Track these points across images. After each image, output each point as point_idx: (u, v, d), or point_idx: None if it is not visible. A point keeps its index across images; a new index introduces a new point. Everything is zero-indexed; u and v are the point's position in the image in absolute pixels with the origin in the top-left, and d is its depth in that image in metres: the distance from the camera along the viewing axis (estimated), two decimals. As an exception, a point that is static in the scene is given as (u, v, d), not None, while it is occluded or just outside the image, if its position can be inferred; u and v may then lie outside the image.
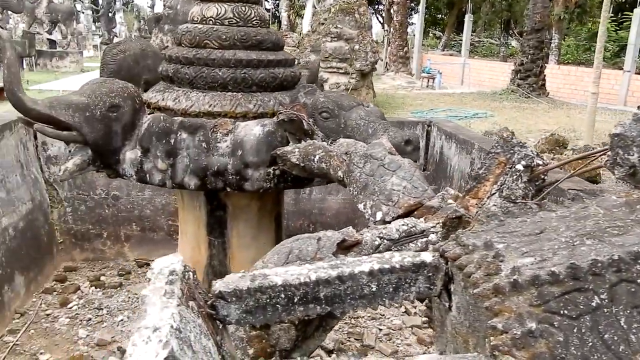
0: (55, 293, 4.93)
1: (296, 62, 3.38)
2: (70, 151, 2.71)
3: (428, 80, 18.11)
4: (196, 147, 2.64)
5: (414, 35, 25.11)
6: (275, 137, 2.64)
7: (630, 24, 24.40)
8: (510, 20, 31.51)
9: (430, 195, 1.98)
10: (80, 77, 19.61)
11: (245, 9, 3.09)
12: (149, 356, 0.89)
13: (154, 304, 1.02)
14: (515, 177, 1.40)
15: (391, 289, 1.24)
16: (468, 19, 21.45)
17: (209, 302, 1.18)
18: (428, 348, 4.31)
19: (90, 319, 4.51)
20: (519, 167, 1.39)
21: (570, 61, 23.18)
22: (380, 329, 4.56)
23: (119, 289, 5.06)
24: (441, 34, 38.01)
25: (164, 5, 10.89)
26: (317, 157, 2.39)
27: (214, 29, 3.01)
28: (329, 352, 4.11)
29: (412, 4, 33.11)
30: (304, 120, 2.52)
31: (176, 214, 5.59)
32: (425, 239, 1.66)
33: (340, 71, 10.95)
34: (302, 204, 5.99)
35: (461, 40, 36.00)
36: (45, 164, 5.49)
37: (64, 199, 5.57)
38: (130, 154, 2.74)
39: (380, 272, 1.22)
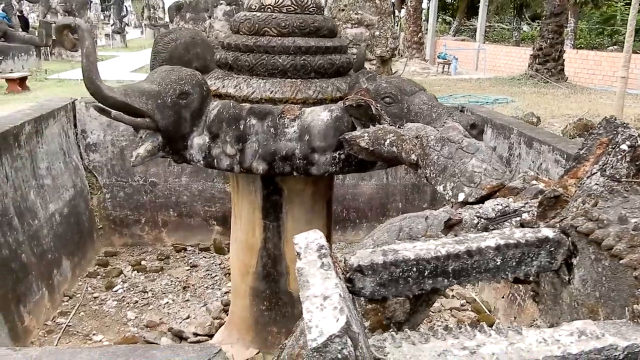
0: (99, 277, 5.05)
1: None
2: (141, 137, 2.78)
3: (444, 66, 18.01)
4: (265, 133, 2.71)
5: (426, 20, 24.95)
6: (342, 122, 2.70)
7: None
8: (522, 5, 31.19)
9: (510, 177, 2.04)
10: (96, 66, 19.66)
11: (303, -4, 3.13)
12: (328, 321, 0.96)
13: (314, 275, 1.08)
14: (619, 157, 1.45)
15: (514, 263, 1.31)
16: (483, 3, 21.25)
17: (346, 275, 1.25)
18: (470, 329, 4.38)
19: (136, 302, 4.63)
20: (624, 147, 1.45)
21: (582, 45, 22.97)
22: (421, 311, 4.64)
23: (160, 272, 5.17)
24: (451, 19, 37.67)
25: (186, -6, 10.92)
26: (388, 141, 2.45)
27: (273, 17, 3.06)
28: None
29: (424, -11, 32.83)
30: (372, 105, 2.58)
31: (212, 199, 5.70)
32: (518, 218, 1.72)
33: (361, 57, 10.91)
34: (336, 189, 6.05)
35: (472, 25, 35.67)
36: (85, 151, 5.59)
37: (103, 185, 5.67)
38: (198, 140, 2.81)
39: (506, 247, 1.29)
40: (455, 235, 1.66)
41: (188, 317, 4.42)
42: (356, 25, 10.98)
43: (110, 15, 36.92)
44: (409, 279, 1.27)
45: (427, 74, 17.64)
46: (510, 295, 4.46)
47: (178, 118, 2.74)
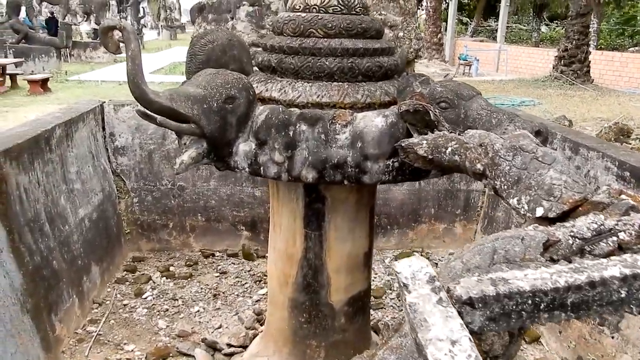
0: (127, 283, 4.96)
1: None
2: (184, 144, 2.66)
3: (464, 67, 17.80)
4: (315, 139, 2.57)
5: (444, 21, 24.70)
6: (397, 129, 2.55)
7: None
8: (542, 6, 30.80)
9: (592, 190, 1.88)
10: (114, 68, 19.72)
11: (349, -4, 3.00)
12: (462, 371, 0.82)
13: (432, 313, 0.95)
14: None
15: (641, 295, 1.16)
16: (504, 3, 20.97)
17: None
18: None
19: (167, 310, 4.52)
20: None
21: (603, 47, 22.60)
22: (460, 323, 4.48)
23: (189, 279, 5.07)
24: (468, 20, 37.35)
25: (208, -6, 10.84)
26: (450, 149, 2.30)
27: (319, 17, 2.93)
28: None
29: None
30: (430, 111, 2.43)
31: (241, 204, 5.59)
32: (615, 238, 1.57)
33: (384, 59, 10.76)
34: (367, 194, 5.91)
35: (489, 26, 35.31)
36: (113, 154, 5.51)
37: (130, 189, 5.58)
38: (243, 146, 2.68)
39: (634, 277, 1.14)
40: (552, 258, 1.51)
41: (220, 327, 4.30)
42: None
43: (126, 17, 37.20)
44: (523, 312, 1.13)
45: (447, 75, 17.43)
46: (555, 307, 4.28)
47: (224, 124, 2.62)
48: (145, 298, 4.70)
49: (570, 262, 1.50)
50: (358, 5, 3.03)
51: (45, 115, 4.76)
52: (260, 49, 3.45)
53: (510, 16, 33.70)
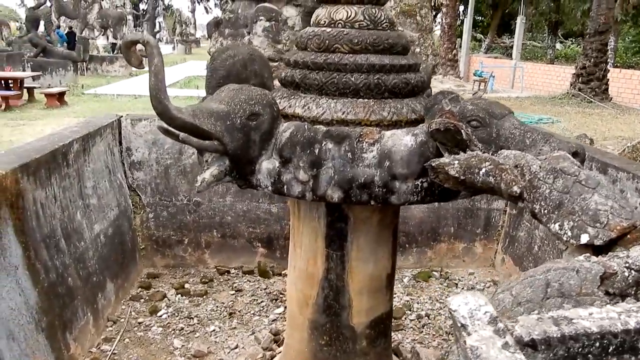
0: (142, 300, 4.88)
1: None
2: (206, 161, 2.59)
3: (479, 84, 17.69)
4: (341, 158, 2.49)
5: (459, 37, 24.64)
6: (427, 148, 2.46)
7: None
8: (557, 23, 30.69)
9: (640, 216, 1.77)
10: (130, 81, 19.90)
11: (375, 11, 2.94)
12: None
13: (498, 359, 0.85)
14: None
15: None
16: (520, 21, 20.89)
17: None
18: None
19: (182, 329, 4.43)
20: None
21: (619, 64, 22.39)
22: (483, 347, 4.33)
23: (204, 297, 4.98)
24: (482, 36, 37.32)
25: (224, 10, 10.90)
26: (484, 170, 2.21)
27: (345, 33, 2.86)
28: (436, 371, 3.91)
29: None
30: (461, 130, 2.34)
31: (257, 220, 5.51)
32: (672, 269, 1.46)
33: (400, 75, 10.71)
34: (385, 212, 5.81)
35: (504, 42, 35.24)
36: (129, 169, 5.46)
37: (146, 204, 5.53)
38: (267, 164, 2.60)
39: None
40: (607, 292, 1.40)
41: (236, 347, 4.20)
42: (396, 42, 10.79)
43: (142, 32, 37.66)
44: (590, 355, 1.02)
45: (463, 92, 17.33)
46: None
47: (247, 141, 2.54)
48: (160, 316, 4.61)
49: (626, 296, 1.39)
50: (384, 21, 2.96)
51: (62, 129, 4.73)
52: (276, 63, 3.39)
53: (525, 33, 33.62)
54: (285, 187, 2.59)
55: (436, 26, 23.26)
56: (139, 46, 2.41)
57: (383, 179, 2.49)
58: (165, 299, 4.90)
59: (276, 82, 3.39)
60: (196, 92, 16.18)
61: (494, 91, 17.61)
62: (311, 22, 3.11)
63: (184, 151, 5.47)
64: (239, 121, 2.50)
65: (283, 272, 5.53)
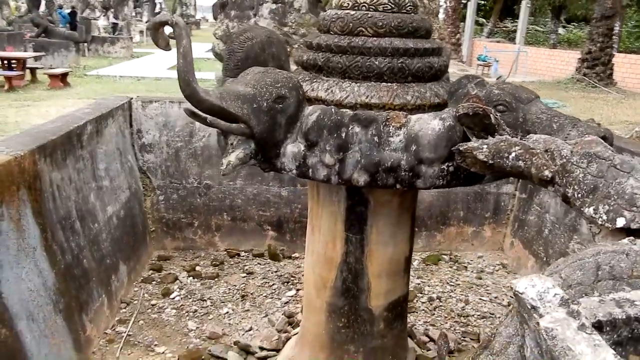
0: (154, 282, 4.90)
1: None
2: (231, 144, 2.58)
3: (483, 68, 17.58)
4: (368, 142, 2.48)
5: (462, 21, 24.45)
6: (455, 132, 2.45)
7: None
8: (561, 7, 30.40)
9: (676, 201, 1.78)
10: (132, 63, 19.74)
11: (399, -7, 2.90)
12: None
13: (576, 340, 0.86)
14: None
15: None
16: (525, 4, 20.72)
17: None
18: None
19: (196, 311, 4.45)
20: None
21: (621, 49, 22.25)
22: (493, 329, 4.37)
23: (216, 279, 5.00)
24: (484, 21, 36.99)
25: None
26: (514, 154, 2.20)
27: (369, 16, 2.83)
28: (450, 352, 3.95)
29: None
30: (491, 115, 2.33)
31: (267, 204, 5.52)
32: None
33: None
34: (395, 196, 5.82)
35: (506, 27, 34.93)
36: (140, 151, 5.45)
37: (156, 187, 5.52)
38: (292, 148, 2.59)
39: None
40: (654, 275, 1.41)
41: (250, 329, 4.23)
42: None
43: (142, 12, 37.25)
44: (651, 338, 1.03)
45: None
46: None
47: (273, 124, 2.53)
48: (173, 298, 4.63)
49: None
50: (408, 4, 2.93)
51: (74, 110, 4.70)
52: (302, 46, 3.38)
53: (527, 18, 33.32)
54: (310, 170, 2.58)
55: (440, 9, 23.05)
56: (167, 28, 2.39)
57: (409, 162, 2.48)
58: (177, 281, 4.92)
59: (292, 65, 3.37)
60: (199, 74, 16.09)
61: (497, 76, 17.51)
62: (334, 4, 3.08)
63: (195, 134, 5.45)
64: (265, 104, 2.49)
65: (293, 255, 5.55)
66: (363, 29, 2.83)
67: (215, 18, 11.52)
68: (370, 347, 3.44)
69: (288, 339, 3.98)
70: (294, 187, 5.61)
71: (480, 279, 5.23)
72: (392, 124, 2.51)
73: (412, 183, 2.53)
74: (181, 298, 4.63)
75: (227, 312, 4.45)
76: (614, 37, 14.57)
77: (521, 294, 0.98)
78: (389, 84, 2.81)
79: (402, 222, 3.29)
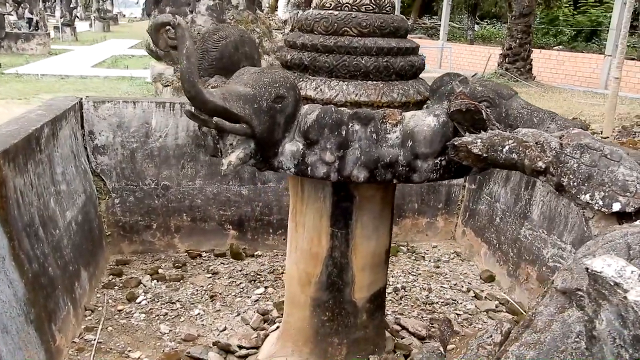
0: (117, 288, 4.75)
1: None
2: (230, 144, 2.58)
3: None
4: (367, 139, 2.57)
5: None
6: (448, 128, 2.60)
7: (587, 8, 25.33)
8: (476, 5, 31.94)
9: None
10: (51, 60, 18.74)
11: (380, -6, 3.01)
12: None
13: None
14: None
15: None
16: (447, 2, 21.62)
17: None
18: (513, 331, 4.38)
19: (166, 314, 4.37)
20: None
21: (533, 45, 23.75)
22: (458, 314, 4.62)
23: (181, 281, 4.92)
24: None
25: (164, -14, 10.46)
26: (507, 147, 2.37)
27: (353, 16, 2.92)
28: (422, 339, 4.13)
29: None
30: (482, 110, 2.49)
31: (228, 203, 5.50)
32: None
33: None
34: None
35: (425, 24, 36.24)
36: (92, 153, 5.25)
37: (112, 190, 5.34)
38: (290, 146, 2.63)
39: None
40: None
41: (225, 329, 4.21)
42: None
43: (54, 7, 35.26)
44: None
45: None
46: (548, 295, 4.50)
47: (273, 123, 2.57)
48: (140, 302, 4.52)
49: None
50: (388, 5, 3.05)
51: (26, 112, 4.45)
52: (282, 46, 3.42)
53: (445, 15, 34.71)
54: (309, 168, 2.64)
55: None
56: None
57: (407, 158, 2.60)
58: (141, 285, 4.80)
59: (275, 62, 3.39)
60: (127, 72, 15.55)
61: (426, 71, 18.16)
62: (313, 4, 3.14)
63: (151, 134, 5.32)
64: (265, 104, 2.52)
65: (256, 254, 5.56)
66: (348, 29, 2.92)
67: (148, 14, 11.18)
68: (353, 339, 3.55)
69: (266, 336, 4.00)
70: (254, 186, 5.61)
71: (438, 267, 5.48)
72: (389, 121, 2.62)
73: (408, 177, 2.65)
74: (148, 302, 4.53)
75: (199, 314, 4.40)
76: (531, 33, 15.58)
77: (599, 272, 1.11)
78: (375, 82, 2.91)
79: (384, 215, 3.42)
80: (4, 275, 3.18)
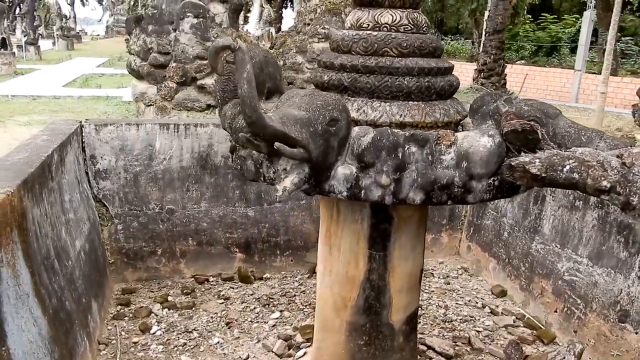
0: (127, 318, 4.57)
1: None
2: (284, 169, 2.50)
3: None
4: (424, 161, 2.53)
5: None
6: (503, 148, 2.59)
7: (546, 25, 26.25)
8: (443, 20, 32.72)
9: None
10: (19, 80, 18.20)
11: (417, 15, 3.01)
12: None
13: None
14: None
15: None
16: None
17: None
18: (537, 346, 4.40)
19: (185, 344, 4.22)
20: None
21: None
22: (478, 331, 4.61)
23: (193, 309, 4.76)
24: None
25: (144, 5, 10.33)
26: (568, 167, 2.37)
27: (392, 37, 2.91)
28: (449, 358, 4.10)
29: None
30: (538, 130, 2.49)
31: (234, 225, 5.40)
32: None
33: (328, 72, 10.87)
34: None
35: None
36: (94, 178, 5.07)
37: (114, 215, 5.16)
38: (342, 170, 2.57)
39: None
40: None
41: (248, 358, 4.08)
42: (323, 40, 10.91)
43: (14, 26, 34.38)
44: None
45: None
46: (566, 309, 4.53)
47: (327, 147, 2.51)
48: (154, 333, 4.35)
49: None
50: (424, 25, 3.05)
51: (31, 138, 4.26)
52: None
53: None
54: (363, 191, 2.59)
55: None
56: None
57: (462, 179, 2.57)
58: (152, 314, 4.63)
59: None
60: (101, 91, 15.19)
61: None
62: (348, 25, 3.11)
63: (155, 157, 5.18)
64: (320, 127, 2.46)
65: (264, 276, 5.45)
66: (388, 50, 2.90)
67: (128, 33, 11.00)
68: (390, 362, 3.49)
69: (294, 362, 3.90)
70: (261, 207, 5.51)
71: (449, 284, 5.47)
72: (443, 142, 2.59)
73: (463, 199, 2.62)
74: (163, 332, 4.36)
75: (218, 342, 4.26)
76: (504, 49, 16.01)
77: None
78: (417, 102, 2.89)
79: (420, 235, 3.38)
80: (29, 314, 3.01)
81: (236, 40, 2.26)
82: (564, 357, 2.02)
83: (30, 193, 3.29)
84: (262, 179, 2.73)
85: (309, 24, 11.05)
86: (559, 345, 4.47)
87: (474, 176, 2.59)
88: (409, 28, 2.96)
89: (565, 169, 2.39)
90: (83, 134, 4.98)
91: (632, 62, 21.25)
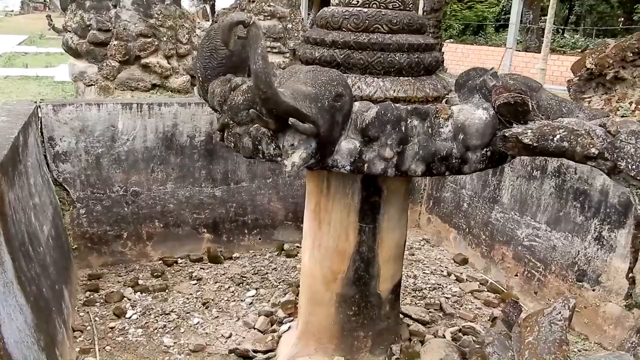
0: (98, 304, 4.44)
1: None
2: (292, 145, 2.51)
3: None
4: (425, 134, 2.62)
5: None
6: (496, 120, 2.72)
7: (472, 4, 27.17)
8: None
9: None
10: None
11: (403, -8, 3.08)
12: None
13: None
14: None
15: None
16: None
17: None
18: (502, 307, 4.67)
19: (164, 326, 4.17)
20: None
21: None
22: (447, 297, 4.83)
23: (167, 291, 4.70)
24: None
25: (81, -21, 9.75)
26: (558, 136, 2.53)
27: (382, 13, 2.96)
28: (425, 324, 4.29)
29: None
30: (528, 102, 2.64)
31: (201, 206, 5.36)
32: None
33: (275, 50, 10.74)
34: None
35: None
36: (54, 161, 4.84)
37: (76, 199, 4.96)
38: (346, 144, 2.62)
39: None
40: None
41: (231, 335, 4.09)
42: (269, 18, 10.80)
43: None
44: None
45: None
46: (526, 272, 4.84)
47: (333, 122, 2.55)
48: (130, 317, 4.26)
49: None
50: (410, 2, 3.13)
51: (-11, 119, 4.01)
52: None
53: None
54: (366, 165, 2.65)
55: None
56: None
57: (459, 150, 2.70)
58: (125, 298, 4.52)
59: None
60: (30, 71, 14.28)
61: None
62: (336, 1, 3.13)
63: (118, 138, 5.01)
64: (326, 103, 2.50)
65: (233, 256, 5.43)
66: (379, 26, 2.96)
67: (64, 9, 10.37)
68: (378, 330, 3.61)
69: (279, 337, 3.96)
70: (228, 186, 5.47)
71: (413, 254, 5.68)
72: (441, 116, 2.69)
73: (460, 169, 2.75)
74: (140, 315, 4.28)
75: (198, 322, 4.24)
76: (441, 28, 16.39)
77: None
78: (407, 78, 2.98)
79: (405, 206, 3.51)
80: (14, 301, 2.89)
81: (250, 15, 2.24)
82: (560, 312, 2.19)
83: (5, 176, 3.13)
84: (260, 155, 2.74)
85: (254, 1, 10.88)
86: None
87: (470, 147, 2.72)
88: (397, 5, 3.03)
89: (555, 138, 2.56)
90: (40, 115, 4.72)
91: (552, 41, 22.47)
